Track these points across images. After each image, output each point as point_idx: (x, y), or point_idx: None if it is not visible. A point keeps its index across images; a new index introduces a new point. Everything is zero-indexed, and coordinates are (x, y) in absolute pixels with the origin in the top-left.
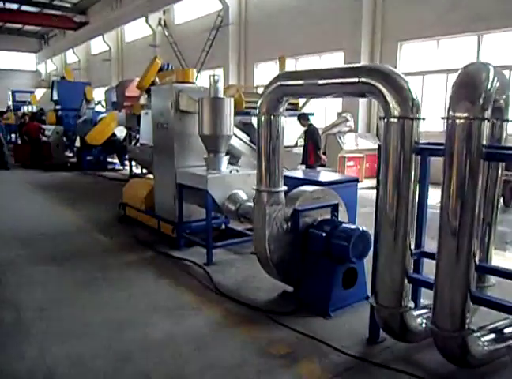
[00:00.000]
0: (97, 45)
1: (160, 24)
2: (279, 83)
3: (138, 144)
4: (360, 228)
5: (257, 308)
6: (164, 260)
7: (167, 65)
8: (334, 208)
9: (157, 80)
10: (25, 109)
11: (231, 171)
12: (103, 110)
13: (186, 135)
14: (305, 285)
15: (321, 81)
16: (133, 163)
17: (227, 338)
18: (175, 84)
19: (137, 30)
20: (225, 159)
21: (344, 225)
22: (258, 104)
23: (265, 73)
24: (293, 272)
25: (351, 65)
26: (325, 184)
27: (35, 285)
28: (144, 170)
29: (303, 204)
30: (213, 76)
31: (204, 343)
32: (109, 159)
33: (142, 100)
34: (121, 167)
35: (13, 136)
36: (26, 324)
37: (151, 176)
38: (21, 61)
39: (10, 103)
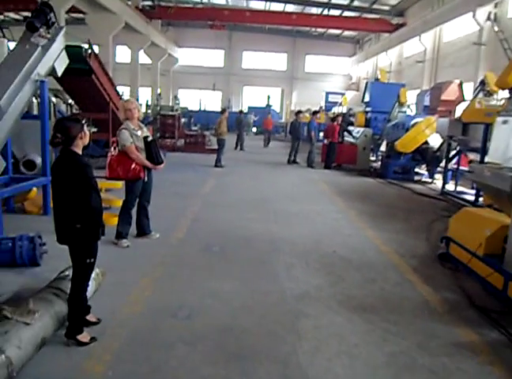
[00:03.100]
0: (411, 46)
1: (489, 18)
2: None
3: (453, 158)
4: None
5: None
6: None
7: None
8: None
9: None
10: (335, 110)
11: None
12: (412, 114)
13: None
14: None
15: None
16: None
17: None
18: None
19: (457, 28)
20: None
21: None
22: None
23: None
24: None
25: None
26: None
27: (337, 352)
28: (460, 188)
29: None
30: None
31: None
32: (417, 170)
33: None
34: (429, 180)
35: (321, 134)
36: None
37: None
38: (336, 65)
39: (323, 103)
